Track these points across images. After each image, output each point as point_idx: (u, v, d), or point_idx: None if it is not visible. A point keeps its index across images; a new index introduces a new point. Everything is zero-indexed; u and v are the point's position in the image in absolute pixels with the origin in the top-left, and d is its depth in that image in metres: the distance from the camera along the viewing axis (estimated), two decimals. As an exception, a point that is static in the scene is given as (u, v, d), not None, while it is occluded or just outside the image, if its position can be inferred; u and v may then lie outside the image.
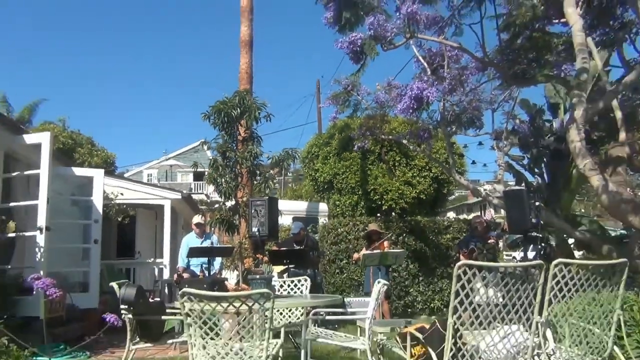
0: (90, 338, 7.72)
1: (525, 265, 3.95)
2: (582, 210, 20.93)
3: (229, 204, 8.61)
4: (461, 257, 8.13)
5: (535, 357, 4.03)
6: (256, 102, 8.79)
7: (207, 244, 8.01)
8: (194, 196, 14.59)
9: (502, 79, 7.66)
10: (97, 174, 8.55)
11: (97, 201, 8.38)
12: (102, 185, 8.56)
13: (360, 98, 8.98)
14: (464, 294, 3.74)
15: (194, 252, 7.56)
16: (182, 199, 10.78)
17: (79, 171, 8.71)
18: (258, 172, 8.79)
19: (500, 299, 4.05)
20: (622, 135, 6.52)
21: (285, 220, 11.78)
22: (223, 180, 8.44)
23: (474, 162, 11.79)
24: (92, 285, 8.34)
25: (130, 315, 4.62)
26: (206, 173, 8.87)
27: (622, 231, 11.26)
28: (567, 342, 4.46)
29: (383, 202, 11.64)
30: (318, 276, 8.78)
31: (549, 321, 4.28)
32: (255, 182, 9.05)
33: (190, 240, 8.16)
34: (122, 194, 9.61)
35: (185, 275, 7.92)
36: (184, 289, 3.63)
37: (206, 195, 13.37)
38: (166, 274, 10.22)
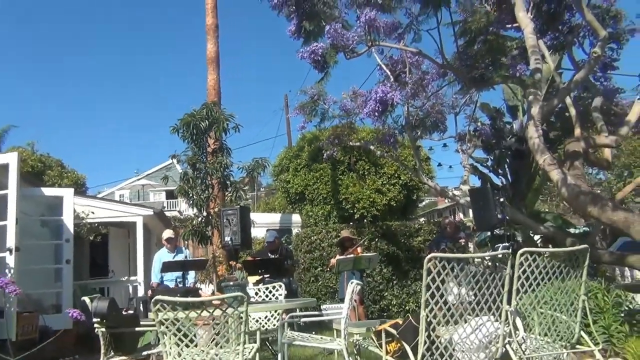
0: (66, 359, 7.71)
1: (492, 255, 4.12)
2: (547, 210, 21.45)
3: (200, 215, 8.63)
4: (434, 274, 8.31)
5: (507, 346, 4.20)
6: (224, 113, 8.89)
7: (179, 258, 8.02)
8: (167, 214, 14.53)
9: (461, 82, 7.93)
10: (67, 193, 8.51)
11: (68, 220, 8.34)
12: (72, 205, 8.51)
13: (327, 107, 9.16)
14: (434, 287, 3.90)
15: (167, 267, 7.54)
16: (155, 215, 10.75)
17: (48, 191, 8.66)
18: (229, 183, 8.86)
19: (472, 297, 4.21)
20: (577, 131, 6.81)
21: (259, 233, 11.85)
22: (194, 192, 8.49)
23: (440, 165, 12.08)
24: (65, 305, 8.25)
25: (103, 329, 4.62)
26: (177, 187, 8.88)
27: (585, 228, 11.65)
28: (536, 330, 4.66)
29: (355, 210, 11.81)
30: (293, 284, 8.85)
31: (518, 310, 4.46)
32: (226, 193, 9.10)
33: (162, 255, 8.15)
34: (92, 212, 9.56)
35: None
36: (157, 297, 3.69)
37: (179, 212, 13.35)
38: (140, 292, 10.15)
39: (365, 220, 11.70)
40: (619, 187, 19.32)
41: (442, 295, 3.91)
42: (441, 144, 9.97)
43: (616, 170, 22.58)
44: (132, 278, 10.66)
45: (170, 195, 38.61)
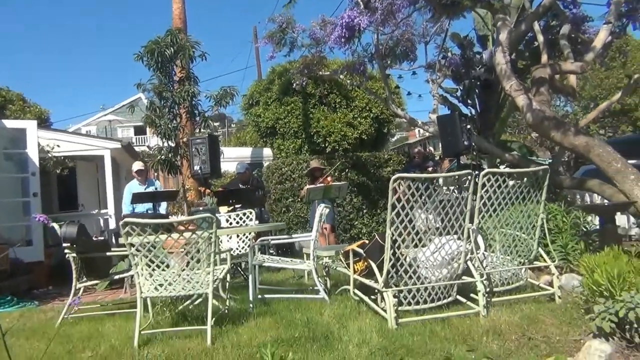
0: (39, 290, 7.78)
1: (457, 174, 4.23)
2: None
3: (169, 145, 8.53)
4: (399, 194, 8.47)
5: (468, 262, 4.40)
6: (190, 40, 8.63)
7: (150, 190, 7.99)
8: (136, 149, 14.31)
9: (432, 9, 7.82)
10: (30, 125, 8.30)
11: (32, 153, 8.17)
12: (36, 137, 8.32)
13: (296, 35, 8.96)
14: (399, 207, 4.01)
15: (137, 198, 7.51)
16: (123, 148, 10.58)
17: (10, 123, 8.43)
18: (197, 112, 8.73)
19: (440, 222, 4.35)
20: (544, 58, 6.85)
21: (229, 167, 11.82)
22: (162, 121, 8.34)
23: (409, 94, 12.01)
24: (36, 238, 8.24)
25: (74, 254, 4.66)
26: (144, 116, 8.69)
27: (550, 160, 11.94)
28: (497, 248, 4.87)
29: (326, 144, 11.84)
30: (265, 214, 8.97)
31: (480, 229, 4.65)
32: (194, 123, 8.98)
33: (133, 187, 8.09)
34: (58, 146, 9.35)
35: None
36: (126, 219, 3.71)
37: (148, 146, 13.17)
38: (112, 224, 10.15)
39: (336, 154, 11.77)
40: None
41: (407, 215, 4.04)
42: (411, 73, 9.92)
43: (582, 102, 22.96)
44: (103, 211, 10.62)
45: (138, 130, 37.94)
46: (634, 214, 6.00)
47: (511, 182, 4.63)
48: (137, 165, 8.12)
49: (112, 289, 7.25)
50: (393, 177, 3.90)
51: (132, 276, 6.33)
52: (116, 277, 5.39)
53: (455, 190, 4.60)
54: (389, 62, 9.15)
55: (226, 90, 8.97)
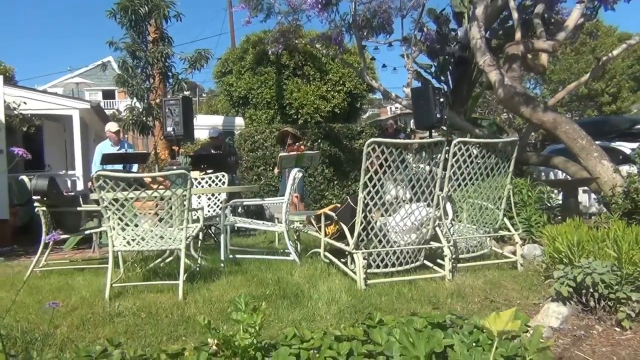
0: (3, 248, 7.66)
1: (429, 141, 4.32)
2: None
3: (141, 105, 8.39)
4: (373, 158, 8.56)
5: (436, 228, 4.52)
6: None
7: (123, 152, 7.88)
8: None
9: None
10: (-5, 80, 8.06)
11: (-3, 109, 7.96)
12: (2, 92, 8.09)
13: (273, 1, 8.87)
14: (373, 171, 4.09)
15: (108, 159, 7.40)
16: (92, 109, 10.38)
17: (-27, 77, 8.16)
18: (170, 74, 8.60)
19: (408, 195, 4.45)
20: (518, 35, 6.97)
21: (201, 134, 11.73)
22: (134, 81, 8.18)
23: (384, 66, 12.08)
24: (0, 195, 8.07)
25: (44, 208, 4.60)
26: (115, 75, 8.50)
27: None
28: (464, 215, 5.02)
29: (299, 116, 11.84)
30: (236, 180, 8.96)
31: (449, 197, 4.78)
32: (168, 85, 8.85)
33: (105, 147, 7.94)
34: (25, 103, 9.11)
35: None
36: (99, 172, 3.69)
37: (117, 110, 12.92)
38: (80, 186, 10.01)
39: (308, 124, 11.79)
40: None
41: (379, 179, 4.12)
42: (387, 45, 9.93)
43: (551, 85, 23.43)
44: (70, 172, 10.45)
45: (107, 95, 37.07)
46: (596, 190, 6.23)
47: (481, 154, 4.75)
48: (114, 126, 7.96)
49: (79, 249, 7.20)
50: (368, 142, 3.97)
51: (100, 236, 6.34)
52: (86, 232, 5.36)
53: (426, 165, 4.69)
54: (365, 33, 9.15)
55: (200, 53, 8.84)
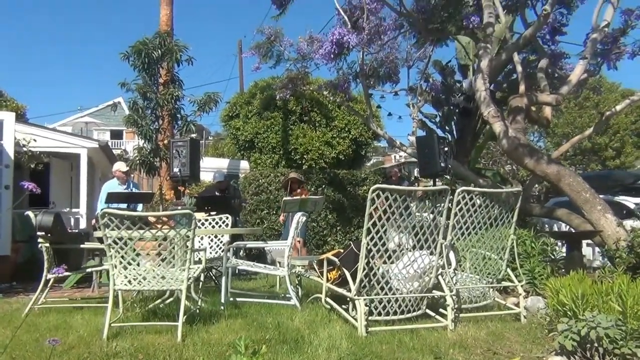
0: (3, 285, 7.61)
1: (433, 189, 4.34)
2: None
3: (150, 146, 8.49)
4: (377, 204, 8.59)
5: (439, 277, 4.49)
6: (178, 44, 8.67)
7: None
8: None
9: (417, 32, 8.04)
10: (8, 117, 8.17)
11: (8, 145, 8.04)
12: (13, 129, 8.20)
13: (283, 48, 9.09)
14: (377, 217, 4.11)
15: (113, 198, 7.44)
16: (100, 148, 10.48)
17: (-14, 114, 8.29)
18: (179, 116, 8.73)
19: (411, 242, 4.46)
20: (522, 88, 7.11)
21: (207, 177, 11.82)
22: (144, 122, 8.31)
23: (390, 114, 12.20)
24: (4, 231, 8.05)
25: (47, 244, 4.61)
26: (126, 116, 8.63)
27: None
28: (467, 266, 5.00)
29: (304, 161, 11.95)
30: (239, 223, 8.97)
31: (452, 245, 4.76)
32: (176, 126, 8.98)
33: (112, 186, 7.99)
34: (35, 140, 9.22)
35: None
36: (105, 209, 3.72)
37: (124, 150, 13.05)
38: (83, 224, 10.01)
39: (313, 170, 11.88)
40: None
41: (383, 225, 4.13)
42: (393, 94, 10.12)
43: (555, 138, 23.64)
44: (74, 210, 10.47)
45: (115, 135, 37.54)
46: (599, 243, 6.20)
47: (484, 204, 4.76)
48: (124, 166, 8.02)
49: (78, 287, 7.15)
50: (372, 187, 4.00)
51: (100, 275, 6.31)
52: (88, 269, 5.34)
53: (429, 214, 4.70)
54: (372, 82, 9.35)
55: (210, 96, 9.01)
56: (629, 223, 6.42)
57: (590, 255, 8.52)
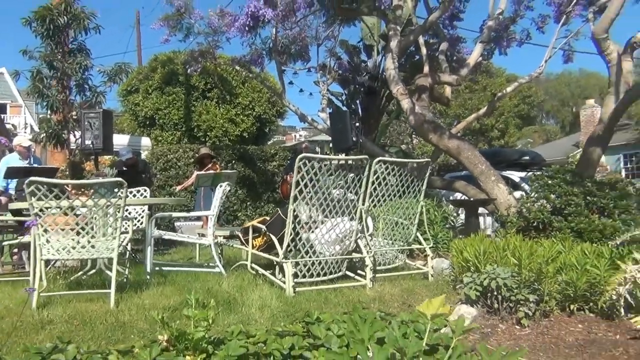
0: None
1: (355, 158, 4.65)
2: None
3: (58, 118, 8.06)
4: (288, 179, 8.84)
5: (358, 241, 4.85)
6: (85, 11, 8.25)
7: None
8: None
9: (327, 12, 8.29)
10: None
11: None
12: None
13: (193, 22, 8.96)
14: (303, 184, 4.35)
15: (12, 173, 7.05)
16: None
17: None
18: (87, 86, 8.36)
19: (320, 216, 4.75)
20: (426, 68, 7.64)
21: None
22: (49, 92, 7.87)
23: (301, 91, 12.44)
24: None
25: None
26: (29, 85, 8.07)
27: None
28: (380, 231, 5.40)
29: (207, 139, 11.86)
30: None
31: (370, 211, 5.14)
32: (84, 97, 8.56)
33: (11, 161, 7.53)
34: None
35: (3, 198, 7.37)
36: (32, 178, 3.65)
37: (13, 125, 12.24)
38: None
39: (222, 144, 11.87)
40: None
41: (308, 192, 4.39)
42: (306, 71, 10.36)
43: (447, 119, 25.18)
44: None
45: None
46: (492, 210, 6.90)
47: (397, 173, 5.17)
48: (25, 140, 7.56)
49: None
50: (299, 156, 4.23)
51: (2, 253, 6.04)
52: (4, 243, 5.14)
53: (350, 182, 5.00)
54: (284, 59, 9.50)
55: (120, 67, 8.69)
56: (516, 194, 7.18)
57: (482, 224, 9.39)
